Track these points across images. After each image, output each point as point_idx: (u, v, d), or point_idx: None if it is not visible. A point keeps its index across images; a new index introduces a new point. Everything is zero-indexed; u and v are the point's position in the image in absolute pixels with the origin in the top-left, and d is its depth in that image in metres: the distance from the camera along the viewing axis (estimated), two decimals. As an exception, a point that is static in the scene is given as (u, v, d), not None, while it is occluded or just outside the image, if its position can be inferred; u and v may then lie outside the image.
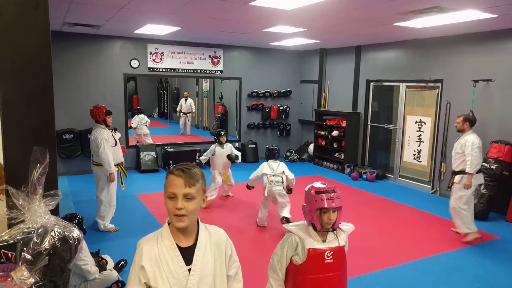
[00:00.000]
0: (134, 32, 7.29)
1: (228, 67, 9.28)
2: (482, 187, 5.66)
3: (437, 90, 7.07)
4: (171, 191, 1.53)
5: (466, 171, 4.72)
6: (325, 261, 2.20)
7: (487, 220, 5.77)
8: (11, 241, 1.83)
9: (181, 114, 12.19)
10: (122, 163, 5.27)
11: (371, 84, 8.49)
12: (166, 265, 1.56)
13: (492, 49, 6.12)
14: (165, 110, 15.29)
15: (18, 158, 2.11)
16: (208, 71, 9.08)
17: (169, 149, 8.54)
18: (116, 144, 5.11)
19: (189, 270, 1.57)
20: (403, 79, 7.69)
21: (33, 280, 1.76)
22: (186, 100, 12.15)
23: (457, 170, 4.92)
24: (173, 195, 1.52)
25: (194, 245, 1.61)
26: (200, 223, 1.67)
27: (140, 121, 9.59)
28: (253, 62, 9.59)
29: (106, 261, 3.82)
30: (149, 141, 9.59)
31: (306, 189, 2.30)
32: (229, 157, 6.01)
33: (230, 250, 1.73)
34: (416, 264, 4.29)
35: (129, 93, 10.62)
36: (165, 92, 15.25)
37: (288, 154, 10.02)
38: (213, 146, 6.16)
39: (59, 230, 1.92)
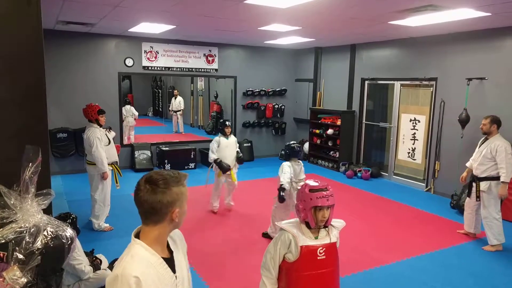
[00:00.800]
0: (129, 30, 7.25)
1: (223, 65, 9.26)
2: None
3: (431, 88, 7.10)
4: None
5: (502, 180, 4.45)
6: (318, 258, 2.22)
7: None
8: (3, 241, 1.81)
9: (172, 112, 12.20)
10: (117, 162, 5.24)
11: (366, 82, 8.52)
12: (163, 281, 1.52)
13: (486, 48, 6.16)
14: (160, 109, 15.25)
15: (10, 156, 2.08)
16: (203, 70, 9.06)
17: (164, 148, 8.52)
18: (109, 143, 5.09)
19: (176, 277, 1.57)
20: (398, 77, 7.71)
21: (26, 280, 1.75)
22: (175, 98, 12.13)
23: (482, 176, 4.61)
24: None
25: (171, 252, 1.60)
26: None
27: (126, 112, 9.52)
28: (248, 60, 9.57)
29: (101, 261, 3.79)
30: (132, 133, 9.73)
31: (298, 187, 2.30)
32: (240, 159, 5.84)
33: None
34: (411, 262, 4.32)
35: (124, 92, 10.60)
36: (160, 91, 15.20)
37: (283, 152, 10.00)
38: (216, 137, 5.73)
39: (51, 230, 1.90)
